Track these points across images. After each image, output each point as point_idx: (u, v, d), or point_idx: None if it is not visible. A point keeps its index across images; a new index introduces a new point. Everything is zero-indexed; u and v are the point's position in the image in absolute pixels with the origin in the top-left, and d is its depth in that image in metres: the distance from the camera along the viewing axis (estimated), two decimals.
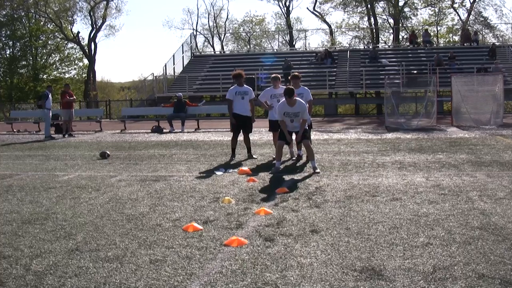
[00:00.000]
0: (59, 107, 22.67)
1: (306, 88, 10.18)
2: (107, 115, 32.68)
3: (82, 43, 50.40)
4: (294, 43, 51.97)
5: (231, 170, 8.82)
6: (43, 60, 50.84)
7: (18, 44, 49.14)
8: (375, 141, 13.36)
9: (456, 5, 49.17)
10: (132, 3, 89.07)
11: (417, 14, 51.38)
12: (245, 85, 10.55)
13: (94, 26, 49.71)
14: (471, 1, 47.96)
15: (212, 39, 56.35)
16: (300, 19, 79.69)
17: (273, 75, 10.52)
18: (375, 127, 18.48)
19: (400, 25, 48.70)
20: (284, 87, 10.31)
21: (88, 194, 6.93)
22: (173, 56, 35.72)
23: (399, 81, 24.36)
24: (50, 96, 17.74)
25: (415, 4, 49.96)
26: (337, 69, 32.19)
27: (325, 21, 53.36)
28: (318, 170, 8.36)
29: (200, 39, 54.33)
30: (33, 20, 49.81)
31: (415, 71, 29.37)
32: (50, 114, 17.72)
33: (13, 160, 11.26)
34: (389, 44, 48.27)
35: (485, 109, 18.27)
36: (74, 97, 19.75)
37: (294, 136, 9.01)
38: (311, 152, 8.59)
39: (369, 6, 48.80)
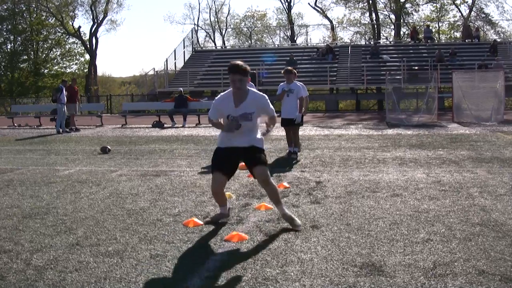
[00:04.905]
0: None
1: (299, 84, 9.60)
2: (108, 110, 32.67)
3: (83, 37, 50.35)
4: (295, 38, 51.87)
5: None
6: (44, 55, 50.75)
7: (19, 38, 49.02)
8: (376, 137, 13.35)
9: (457, 1, 49.09)
10: None
11: (418, 10, 51.33)
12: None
13: (96, 20, 49.64)
14: None
15: (214, 34, 56.23)
16: (302, 15, 79.43)
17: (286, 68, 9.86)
18: (376, 123, 18.45)
19: (402, 21, 48.59)
20: (298, 82, 9.77)
21: (89, 189, 6.93)
22: (174, 51, 35.68)
23: (400, 77, 24.29)
24: (64, 90, 17.70)
25: (417, 0, 49.87)
26: (338, 65, 32.11)
27: (326, 16, 53.26)
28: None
29: (202, 34, 54.28)
30: (34, 15, 49.67)
31: (416, 67, 29.33)
32: (65, 108, 17.63)
33: (13, 154, 11.26)
34: (391, 40, 48.22)
35: (486, 106, 18.23)
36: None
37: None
38: (275, 192, 5.02)
39: (370, 1, 48.68)
